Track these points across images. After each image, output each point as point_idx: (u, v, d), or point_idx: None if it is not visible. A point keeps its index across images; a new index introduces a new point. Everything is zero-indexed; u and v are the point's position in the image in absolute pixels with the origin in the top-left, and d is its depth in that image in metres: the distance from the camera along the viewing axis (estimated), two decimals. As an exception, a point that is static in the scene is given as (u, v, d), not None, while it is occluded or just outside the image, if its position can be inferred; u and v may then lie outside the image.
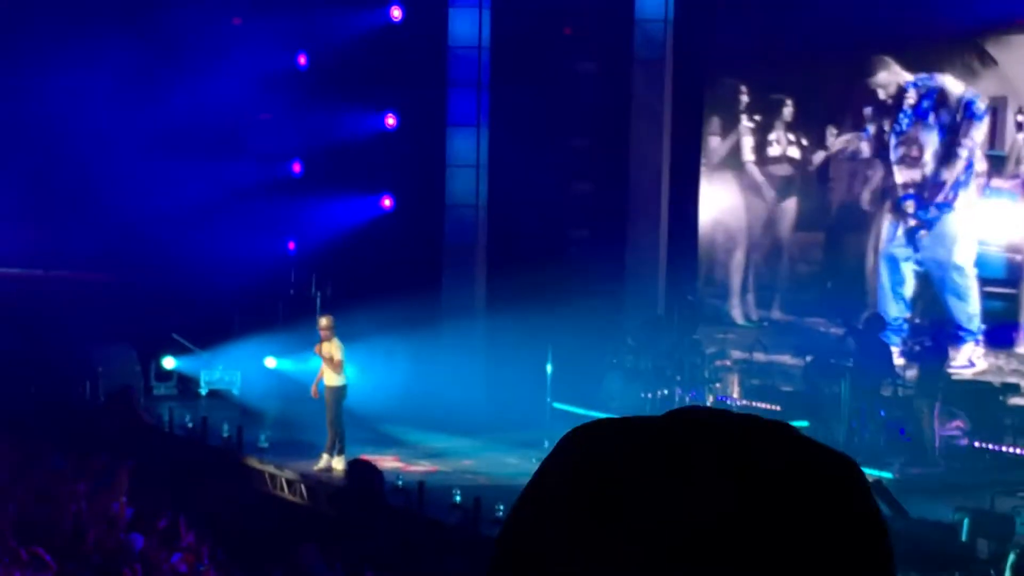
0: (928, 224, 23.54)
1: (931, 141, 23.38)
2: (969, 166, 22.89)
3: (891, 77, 24.01)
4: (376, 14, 28.37)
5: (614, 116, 27.07)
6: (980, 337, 22.80)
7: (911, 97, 23.74)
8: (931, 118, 23.41)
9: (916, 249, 23.86)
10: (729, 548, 1.29)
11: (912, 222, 23.81)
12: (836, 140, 25.23)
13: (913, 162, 23.63)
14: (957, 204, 23.13)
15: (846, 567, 1.32)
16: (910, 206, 23.75)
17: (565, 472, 1.39)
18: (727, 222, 27.21)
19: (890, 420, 20.46)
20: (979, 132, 22.74)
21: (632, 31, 26.79)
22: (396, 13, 28.30)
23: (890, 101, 24.06)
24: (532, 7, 27.08)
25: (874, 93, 24.29)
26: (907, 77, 23.91)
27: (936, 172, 23.32)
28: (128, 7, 28.16)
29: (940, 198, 23.27)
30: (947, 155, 23.18)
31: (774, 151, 26.35)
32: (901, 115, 23.89)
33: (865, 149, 24.86)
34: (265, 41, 28.52)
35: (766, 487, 1.32)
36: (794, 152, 26.05)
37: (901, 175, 23.86)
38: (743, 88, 26.77)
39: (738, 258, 27.14)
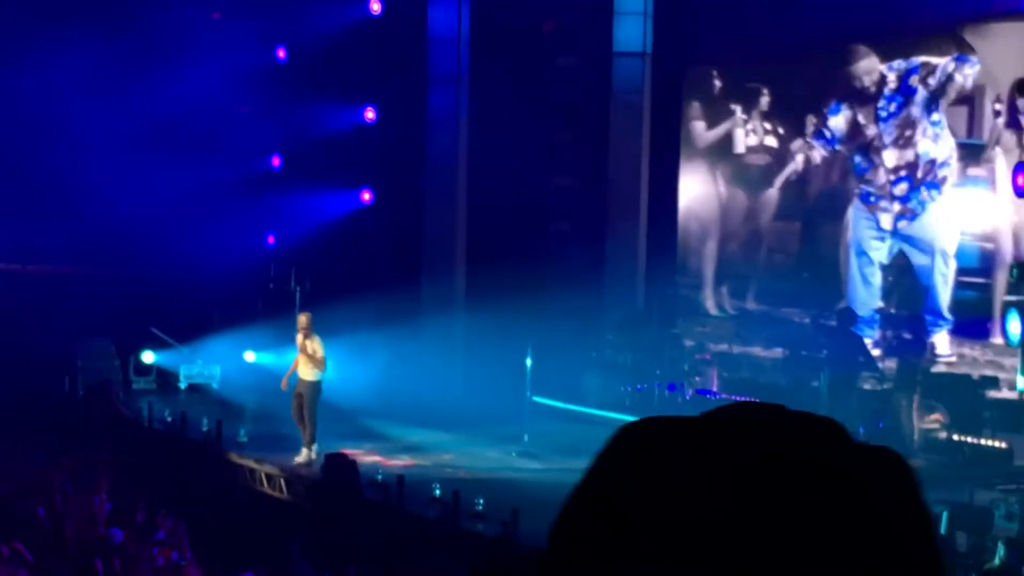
0: (917, 207, 23.59)
1: (922, 116, 23.41)
2: (954, 146, 23.05)
3: (872, 64, 24.03)
4: (355, 7, 28.35)
5: (594, 110, 27.08)
6: (955, 327, 22.92)
7: (892, 81, 23.77)
8: (920, 92, 23.41)
9: (900, 235, 23.92)
10: (744, 546, 1.29)
11: (898, 207, 23.87)
12: (799, 150, 25.38)
13: (906, 142, 23.65)
14: (945, 188, 23.25)
15: (872, 569, 1.31)
16: (902, 189, 23.78)
17: (603, 470, 1.41)
18: (699, 212, 27.32)
19: (867, 411, 20.50)
20: (969, 75, 22.78)
21: (612, 25, 26.80)
22: (375, 7, 28.28)
23: (873, 88, 24.06)
24: (511, 1, 27.09)
25: (853, 82, 24.27)
26: (882, 67, 23.96)
27: (927, 150, 23.37)
28: (110, 4, 28.11)
29: (931, 177, 23.35)
30: (937, 132, 23.24)
31: (751, 141, 26.45)
32: (886, 100, 23.89)
33: (817, 157, 25.04)
34: (244, 35, 28.49)
35: (788, 486, 1.31)
36: (771, 141, 26.16)
37: (893, 158, 23.86)
38: (723, 79, 26.85)
39: (710, 248, 27.24)
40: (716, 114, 26.88)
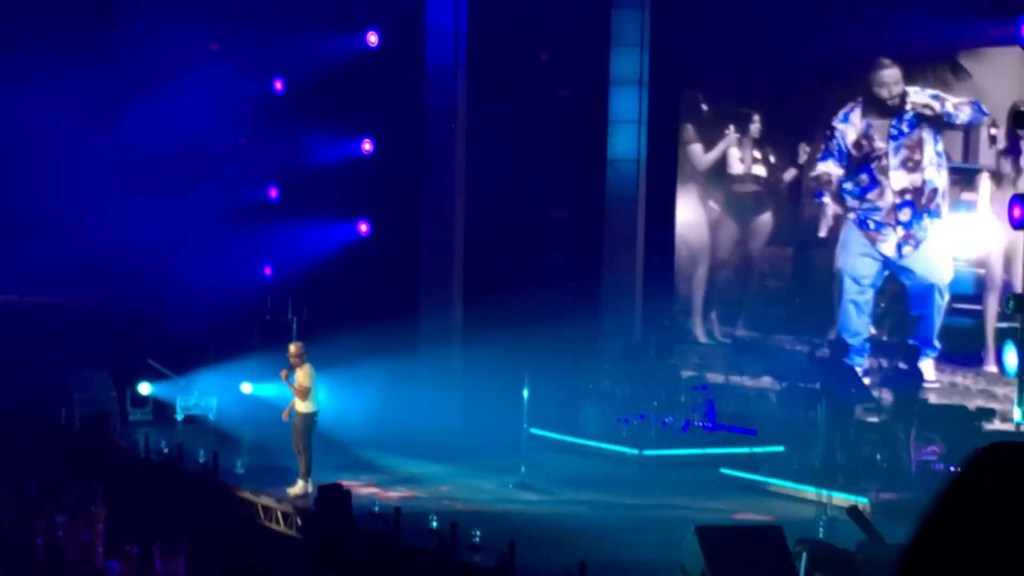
0: (921, 234, 23.60)
1: (930, 143, 23.43)
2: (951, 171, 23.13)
3: (896, 75, 23.90)
4: (353, 40, 28.40)
5: (591, 140, 27.13)
6: (947, 355, 22.96)
7: (908, 104, 23.75)
8: (931, 119, 23.40)
9: (898, 263, 23.93)
10: None
11: (901, 232, 23.88)
12: (815, 165, 25.30)
13: (915, 166, 23.66)
14: (943, 215, 23.30)
15: None
16: (906, 214, 23.79)
17: (986, 490, 1.39)
18: (690, 238, 27.40)
19: (864, 443, 20.46)
20: (968, 113, 22.88)
21: (608, 56, 26.88)
22: (372, 39, 28.33)
23: (896, 101, 23.93)
24: (508, 33, 27.16)
25: (877, 90, 24.14)
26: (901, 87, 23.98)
27: (931, 178, 23.40)
28: (107, 34, 28.17)
29: (933, 206, 23.39)
30: (939, 162, 23.27)
31: (742, 168, 26.56)
32: (897, 119, 23.87)
33: (833, 170, 24.95)
34: (241, 66, 28.54)
35: None
36: (761, 169, 26.28)
37: (900, 181, 23.85)
38: (711, 103, 26.98)
39: (700, 274, 27.31)
40: (712, 136, 26.99)
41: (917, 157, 23.62)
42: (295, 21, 28.34)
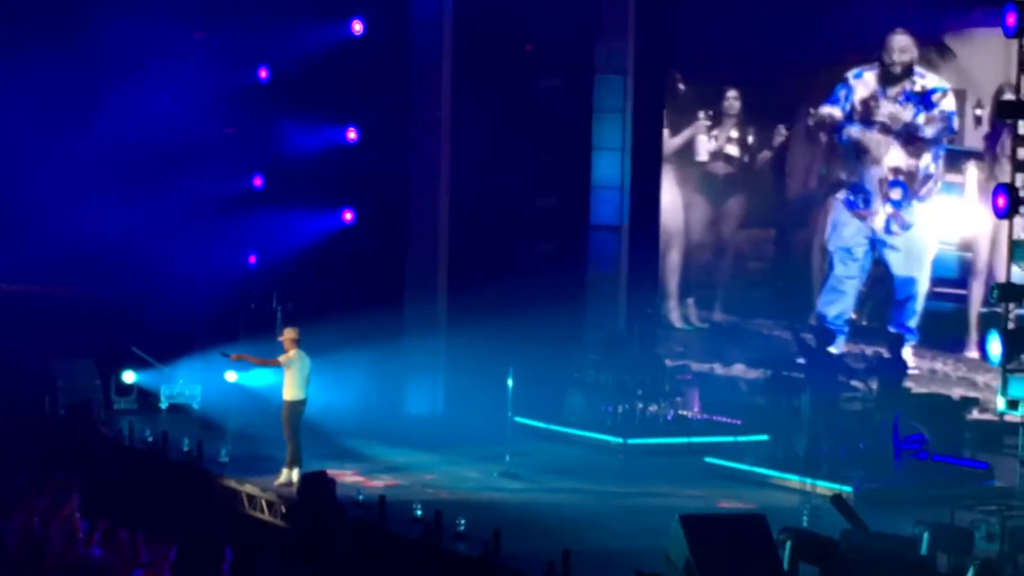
0: (909, 218, 23.61)
1: (932, 134, 23.44)
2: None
3: (906, 43, 23.82)
4: (338, 28, 28.36)
5: (577, 130, 27.13)
6: (928, 340, 22.99)
7: (917, 85, 23.73)
8: (937, 109, 23.44)
9: (885, 244, 23.94)
10: None
11: (890, 209, 23.89)
12: (818, 112, 25.17)
13: (915, 151, 23.63)
14: (930, 201, 23.32)
15: None
16: (897, 193, 23.78)
17: None
18: (666, 222, 27.45)
19: (847, 431, 20.47)
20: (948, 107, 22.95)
21: (594, 45, 26.88)
22: (357, 27, 28.29)
23: (899, 70, 23.87)
24: (494, 22, 27.13)
25: (887, 55, 24.09)
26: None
27: (927, 165, 23.41)
28: (91, 23, 28.11)
29: (923, 191, 23.41)
30: (938, 153, 23.30)
31: (716, 146, 26.64)
32: (904, 97, 23.86)
33: (836, 113, 24.82)
34: (226, 55, 28.48)
35: None
36: (735, 150, 26.36)
37: (898, 158, 23.80)
38: (696, 88, 27.05)
39: (674, 259, 27.35)
40: (687, 119, 27.07)
41: (918, 143, 23.59)
42: (279, 9, 28.28)
